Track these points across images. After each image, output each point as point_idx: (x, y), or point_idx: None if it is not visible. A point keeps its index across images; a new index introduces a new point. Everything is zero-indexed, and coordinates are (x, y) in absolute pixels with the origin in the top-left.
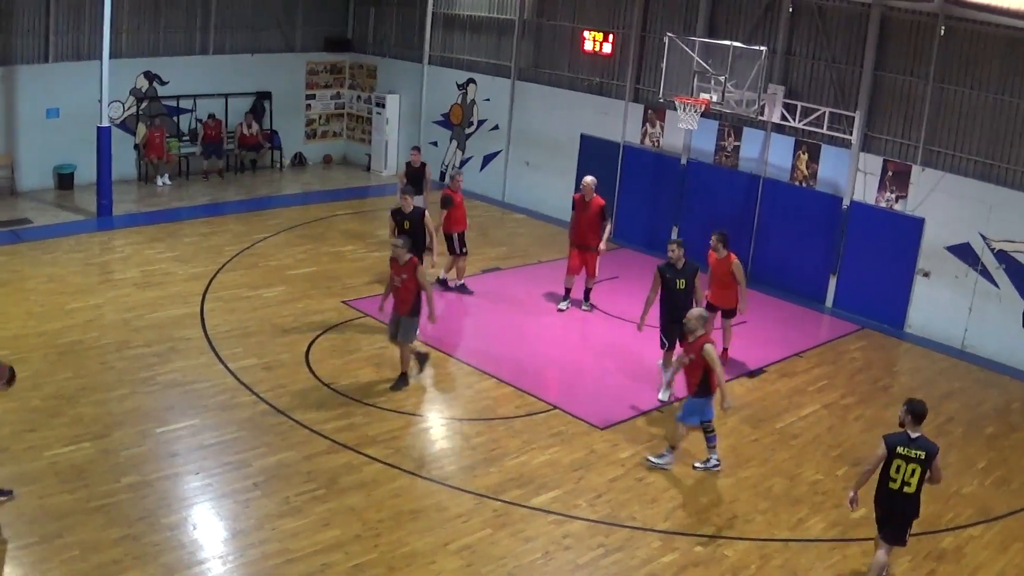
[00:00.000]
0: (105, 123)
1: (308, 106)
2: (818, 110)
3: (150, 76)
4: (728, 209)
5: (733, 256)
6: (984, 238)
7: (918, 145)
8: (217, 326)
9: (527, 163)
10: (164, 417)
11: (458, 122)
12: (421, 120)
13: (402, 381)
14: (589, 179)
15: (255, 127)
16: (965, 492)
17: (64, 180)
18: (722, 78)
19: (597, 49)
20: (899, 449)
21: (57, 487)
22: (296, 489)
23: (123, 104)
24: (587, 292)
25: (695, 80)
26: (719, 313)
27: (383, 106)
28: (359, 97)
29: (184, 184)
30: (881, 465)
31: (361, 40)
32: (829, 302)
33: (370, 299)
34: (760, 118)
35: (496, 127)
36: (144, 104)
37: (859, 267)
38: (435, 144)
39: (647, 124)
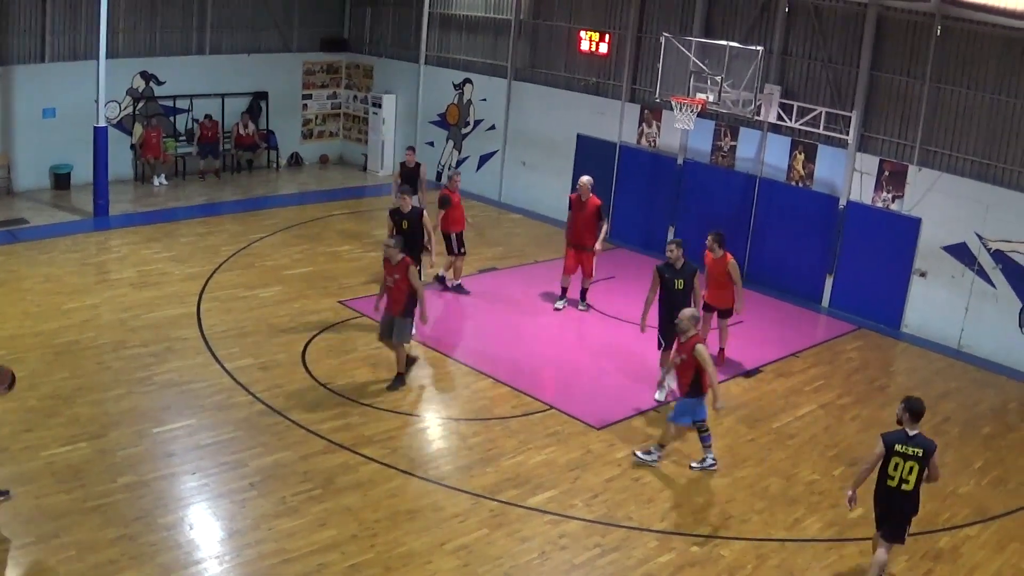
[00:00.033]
0: (101, 123)
1: (304, 106)
2: (814, 110)
3: (146, 76)
4: (724, 209)
5: (729, 256)
6: (980, 238)
7: (914, 145)
8: (213, 326)
9: (523, 163)
10: (161, 417)
11: (454, 122)
12: (417, 120)
13: (398, 381)
14: (585, 179)
15: (251, 127)
16: (962, 492)
17: (60, 180)
18: (718, 78)
19: (593, 49)
20: (897, 447)
21: (54, 487)
22: (292, 489)
23: (119, 104)
24: (583, 292)
25: (691, 80)
26: (715, 313)
27: (379, 106)
28: (355, 97)
29: (180, 184)
30: (879, 463)
31: (357, 40)
32: (825, 302)
33: (366, 299)
34: (756, 118)
35: (492, 127)
36: (140, 104)
37: (855, 267)
38: (431, 144)
39: (643, 124)
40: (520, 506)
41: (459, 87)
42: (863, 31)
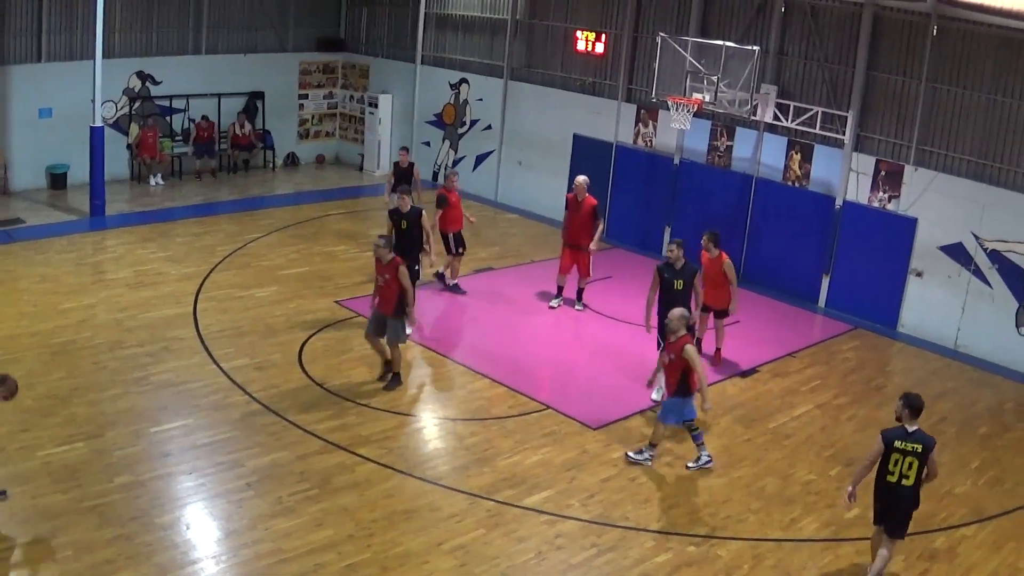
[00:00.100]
0: (98, 123)
1: (301, 106)
2: (811, 110)
3: (143, 76)
4: (721, 209)
5: (725, 256)
6: (977, 238)
7: (911, 145)
8: (210, 326)
9: (520, 163)
10: (157, 417)
11: (451, 122)
12: (414, 120)
13: (395, 381)
14: (582, 179)
15: (248, 127)
16: (958, 492)
17: (57, 180)
18: (715, 78)
19: (590, 49)
20: (896, 443)
21: (50, 487)
22: (289, 489)
23: (116, 104)
24: (580, 292)
25: (688, 80)
26: (712, 313)
27: (376, 106)
28: (352, 97)
29: (177, 184)
30: (879, 460)
31: (354, 40)
32: (822, 302)
33: (362, 299)
34: (753, 118)
35: (489, 127)
36: (137, 104)
37: (852, 267)
38: (428, 144)
39: (640, 124)
40: (517, 506)
41: (455, 87)
42: (859, 31)
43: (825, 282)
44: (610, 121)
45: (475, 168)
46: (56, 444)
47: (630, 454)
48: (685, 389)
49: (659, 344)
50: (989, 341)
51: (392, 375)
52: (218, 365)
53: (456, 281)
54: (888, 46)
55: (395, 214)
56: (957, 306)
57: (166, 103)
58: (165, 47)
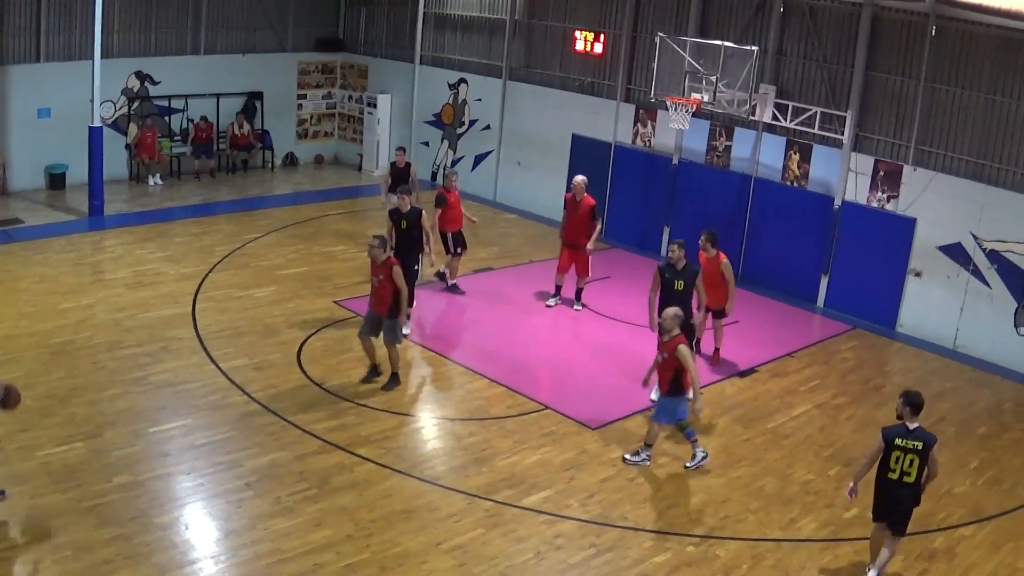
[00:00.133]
0: (96, 123)
1: (299, 106)
2: (809, 110)
3: (141, 76)
4: (720, 209)
5: (722, 255)
6: (976, 238)
7: (909, 145)
8: (208, 326)
9: (518, 163)
10: (156, 417)
11: (449, 122)
12: (412, 120)
13: (394, 381)
14: (580, 178)
15: (246, 127)
16: (957, 492)
17: (55, 180)
18: (713, 78)
19: (588, 49)
20: (897, 441)
21: (49, 487)
22: (288, 489)
23: (115, 104)
24: (579, 292)
25: (686, 80)
26: (710, 313)
27: (374, 106)
28: (350, 97)
29: (175, 184)
30: (880, 457)
31: (352, 40)
32: (821, 302)
33: (361, 299)
34: (751, 118)
35: (488, 127)
36: (136, 104)
37: (851, 267)
38: (426, 144)
39: (638, 124)
40: (515, 506)
41: (454, 87)
42: (858, 31)
43: (824, 282)
44: (609, 121)
45: (474, 168)
46: (55, 444)
47: (627, 456)
48: (678, 389)
49: None
50: (988, 341)
51: (391, 375)
52: (217, 365)
53: (455, 281)
54: (887, 46)
55: (395, 214)
56: (956, 306)
57: (165, 103)
58: (164, 47)
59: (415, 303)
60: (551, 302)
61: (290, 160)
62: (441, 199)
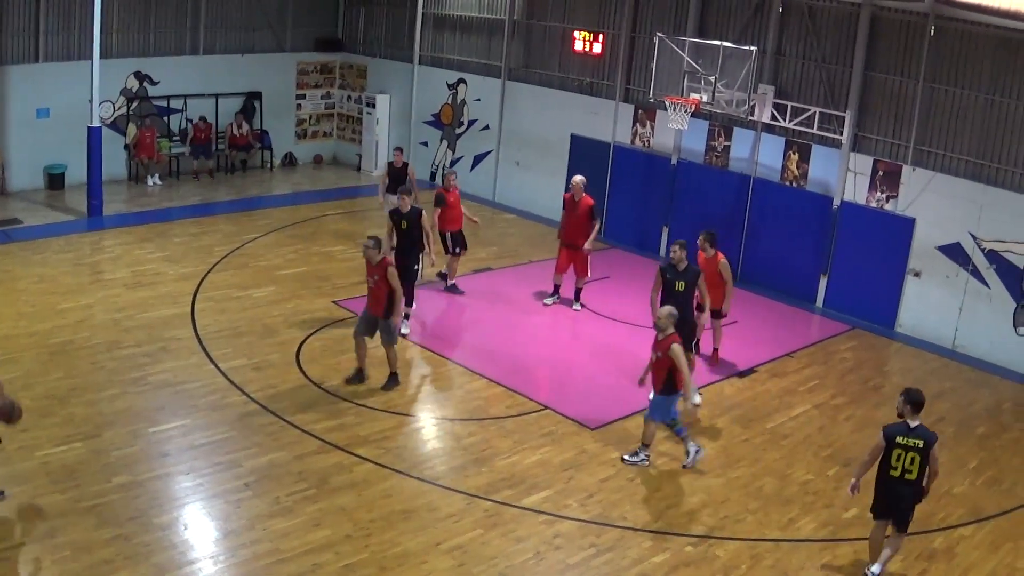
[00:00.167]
0: (95, 123)
1: (298, 106)
2: (808, 110)
3: (140, 76)
4: (718, 209)
5: (721, 255)
6: (975, 238)
7: (908, 145)
8: (207, 326)
9: (517, 163)
10: (155, 417)
11: (448, 122)
12: (411, 120)
13: (393, 381)
14: (578, 178)
15: (245, 127)
16: (956, 492)
17: (54, 180)
18: (712, 78)
19: (587, 49)
20: (898, 439)
21: (48, 487)
22: (287, 489)
23: (113, 104)
24: (578, 292)
25: (685, 80)
26: (708, 314)
27: (373, 106)
28: (349, 97)
29: (174, 184)
30: (881, 455)
31: (351, 40)
32: (820, 302)
33: (360, 299)
34: (750, 118)
35: (486, 127)
36: (134, 104)
37: (850, 267)
38: (425, 144)
39: (637, 124)
40: (515, 506)
41: (453, 87)
42: (857, 31)
43: (823, 282)
44: (608, 121)
45: (473, 168)
46: (54, 444)
47: (626, 457)
48: (671, 387)
49: None
50: (987, 341)
51: (390, 375)
52: (216, 365)
53: (454, 281)
54: (886, 46)
55: (395, 214)
56: (955, 306)
57: (164, 103)
58: (163, 47)
59: (416, 303)
60: (548, 301)
61: (289, 160)
62: (440, 199)
